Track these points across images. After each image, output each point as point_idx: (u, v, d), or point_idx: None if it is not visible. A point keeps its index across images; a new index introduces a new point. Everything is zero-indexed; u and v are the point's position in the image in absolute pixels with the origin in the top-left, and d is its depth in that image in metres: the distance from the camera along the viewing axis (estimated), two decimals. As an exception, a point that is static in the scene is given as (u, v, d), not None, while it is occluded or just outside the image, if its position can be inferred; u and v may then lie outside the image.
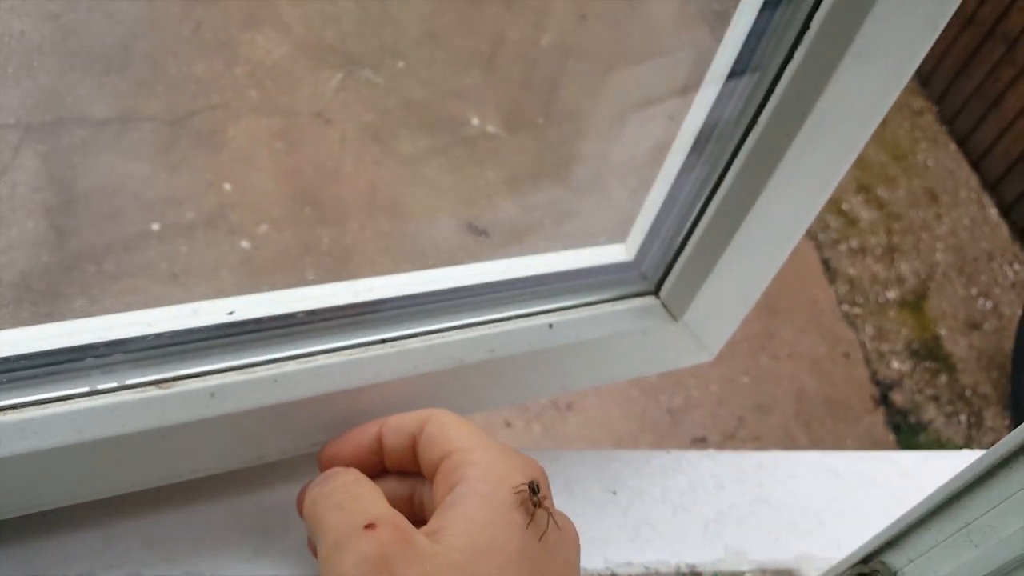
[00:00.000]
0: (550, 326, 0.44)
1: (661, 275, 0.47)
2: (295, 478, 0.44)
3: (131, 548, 0.40)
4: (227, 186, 1.80)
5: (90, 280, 1.65)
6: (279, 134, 1.89)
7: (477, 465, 0.33)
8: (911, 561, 0.39)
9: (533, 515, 0.32)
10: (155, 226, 1.73)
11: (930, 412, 2.02)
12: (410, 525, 0.32)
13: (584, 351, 0.45)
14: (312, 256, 1.77)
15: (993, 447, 0.34)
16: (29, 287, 1.60)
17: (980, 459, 0.34)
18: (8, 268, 1.59)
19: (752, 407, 1.84)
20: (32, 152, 1.75)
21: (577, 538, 0.35)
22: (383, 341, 0.41)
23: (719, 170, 0.42)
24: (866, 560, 0.41)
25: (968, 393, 2.10)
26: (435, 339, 0.42)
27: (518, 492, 0.33)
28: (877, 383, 2.03)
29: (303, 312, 0.40)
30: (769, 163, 0.39)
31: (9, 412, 0.35)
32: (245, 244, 1.76)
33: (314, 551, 0.40)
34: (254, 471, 0.44)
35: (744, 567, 0.48)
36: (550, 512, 0.33)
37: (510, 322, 0.44)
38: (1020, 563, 0.33)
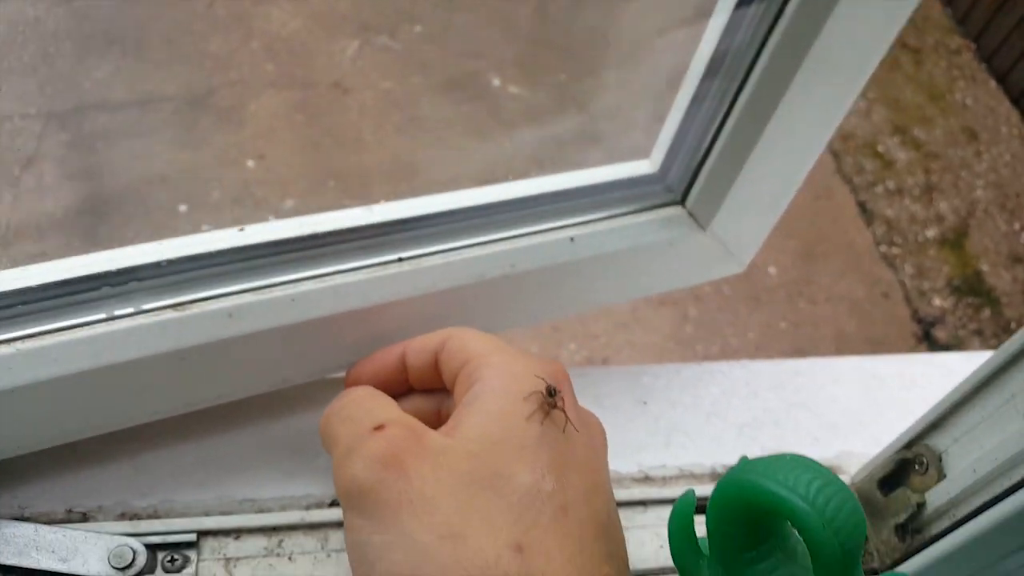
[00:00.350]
0: (571, 239, 0.43)
1: (686, 185, 0.46)
2: (322, 402, 0.43)
3: (162, 476, 0.40)
4: (250, 163, 1.81)
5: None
6: (298, 107, 1.89)
7: (494, 366, 0.33)
8: (956, 440, 0.38)
9: (548, 414, 0.32)
10: (183, 207, 1.74)
11: (974, 345, 1.98)
12: (422, 425, 0.31)
13: (608, 264, 0.44)
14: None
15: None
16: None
17: (1025, 330, 0.33)
18: (40, 256, 1.60)
19: (791, 351, 1.82)
20: (55, 140, 1.77)
21: (602, 429, 0.35)
22: (400, 260, 0.40)
23: (738, 82, 0.41)
24: (909, 446, 0.40)
25: (1013, 326, 2.06)
26: (453, 256, 0.41)
27: (533, 392, 0.32)
28: (919, 321, 1.99)
29: (318, 234, 0.39)
30: (788, 72, 0.38)
31: (28, 341, 0.35)
32: (272, 220, 1.76)
33: None
34: (280, 397, 0.43)
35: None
36: (566, 411, 0.32)
37: (531, 237, 0.43)
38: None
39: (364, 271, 0.39)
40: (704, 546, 0.30)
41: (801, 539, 0.30)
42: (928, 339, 1.96)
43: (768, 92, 0.39)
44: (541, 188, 0.44)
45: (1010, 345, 0.34)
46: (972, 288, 2.13)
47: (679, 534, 0.30)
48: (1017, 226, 2.31)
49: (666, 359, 1.74)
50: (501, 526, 0.28)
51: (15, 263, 0.36)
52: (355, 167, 1.85)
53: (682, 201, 0.46)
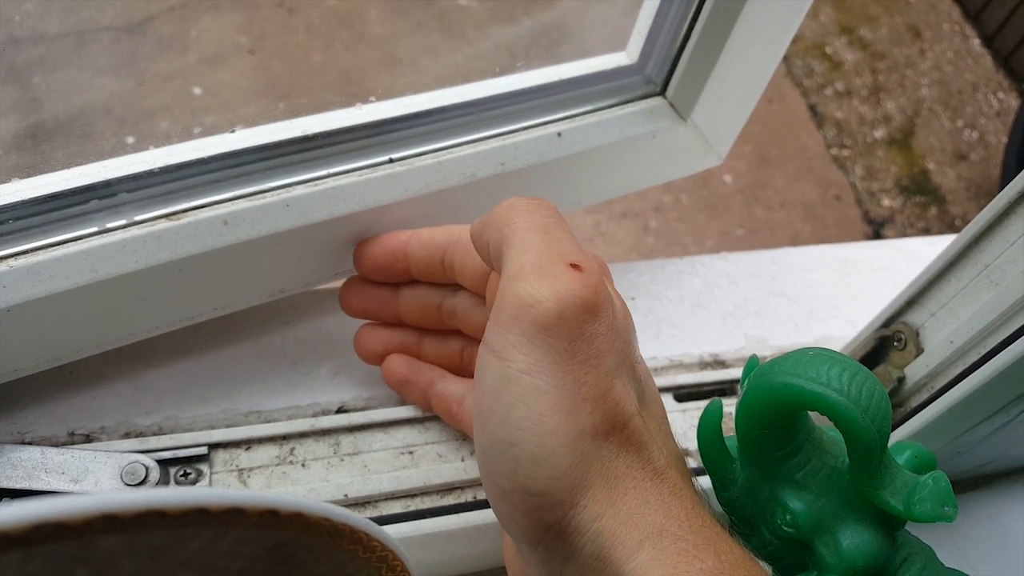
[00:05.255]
0: (559, 135, 0.43)
1: (666, 75, 0.46)
2: (319, 313, 0.43)
3: (163, 394, 0.40)
4: (196, 90, 1.74)
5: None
6: (242, 29, 1.82)
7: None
8: (932, 315, 0.39)
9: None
10: (130, 139, 1.67)
11: (925, 242, 2.03)
12: None
13: (594, 159, 0.44)
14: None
15: (1007, 187, 0.34)
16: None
17: (995, 201, 0.34)
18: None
19: (749, 257, 1.84)
20: (-12, 75, 1.69)
21: None
22: (391, 161, 0.40)
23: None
24: (887, 324, 0.41)
25: (958, 222, 2.11)
26: (445, 155, 0.41)
27: None
28: (869, 222, 2.04)
29: (309, 135, 0.38)
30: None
31: (19, 258, 0.34)
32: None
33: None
34: (276, 311, 0.43)
35: (766, 352, 0.48)
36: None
37: (519, 134, 0.43)
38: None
39: (356, 173, 0.39)
40: (732, 449, 0.31)
41: (821, 428, 0.31)
42: (878, 239, 2.01)
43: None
44: (525, 83, 0.44)
45: (980, 219, 0.35)
46: (920, 187, 2.18)
47: (710, 443, 0.31)
48: (960, 123, 2.35)
49: (628, 270, 1.75)
50: (630, 394, 0.28)
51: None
52: (305, 88, 1.80)
53: (663, 91, 0.46)
